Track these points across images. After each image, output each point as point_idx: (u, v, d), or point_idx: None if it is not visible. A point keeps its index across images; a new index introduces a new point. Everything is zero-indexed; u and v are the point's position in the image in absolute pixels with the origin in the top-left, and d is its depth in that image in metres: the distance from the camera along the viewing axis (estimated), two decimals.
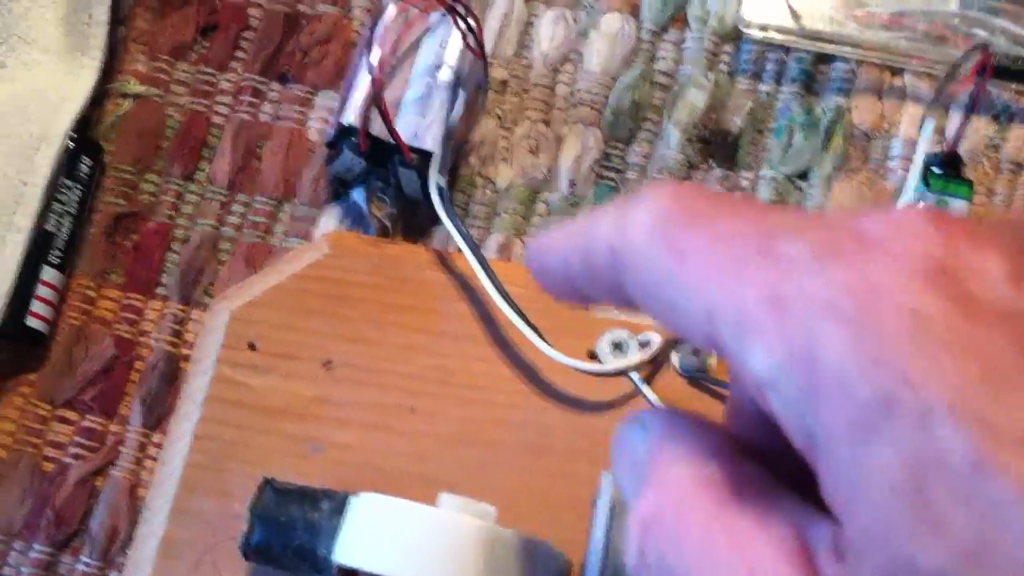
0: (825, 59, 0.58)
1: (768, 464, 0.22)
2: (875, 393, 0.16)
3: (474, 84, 0.57)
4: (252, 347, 0.52)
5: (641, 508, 0.22)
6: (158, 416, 0.54)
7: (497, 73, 0.59)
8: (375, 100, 0.53)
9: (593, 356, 0.52)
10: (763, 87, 0.58)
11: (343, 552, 0.42)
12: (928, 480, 0.16)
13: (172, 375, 0.55)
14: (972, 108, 0.52)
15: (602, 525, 0.42)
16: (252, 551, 0.47)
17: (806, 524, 0.19)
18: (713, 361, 0.51)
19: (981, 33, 0.55)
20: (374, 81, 0.53)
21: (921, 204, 0.52)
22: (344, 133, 0.55)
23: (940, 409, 0.16)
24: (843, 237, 0.18)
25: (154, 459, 0.53)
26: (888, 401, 0.16)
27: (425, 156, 0.54)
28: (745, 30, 0.58)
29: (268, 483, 0.48)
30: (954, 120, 0.56)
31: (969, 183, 0.53)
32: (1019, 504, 0.15)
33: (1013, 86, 0.56)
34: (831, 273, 0.18)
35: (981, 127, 0.57)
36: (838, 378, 0.17)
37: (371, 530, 0.42)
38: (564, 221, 0.27)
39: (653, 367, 0.51)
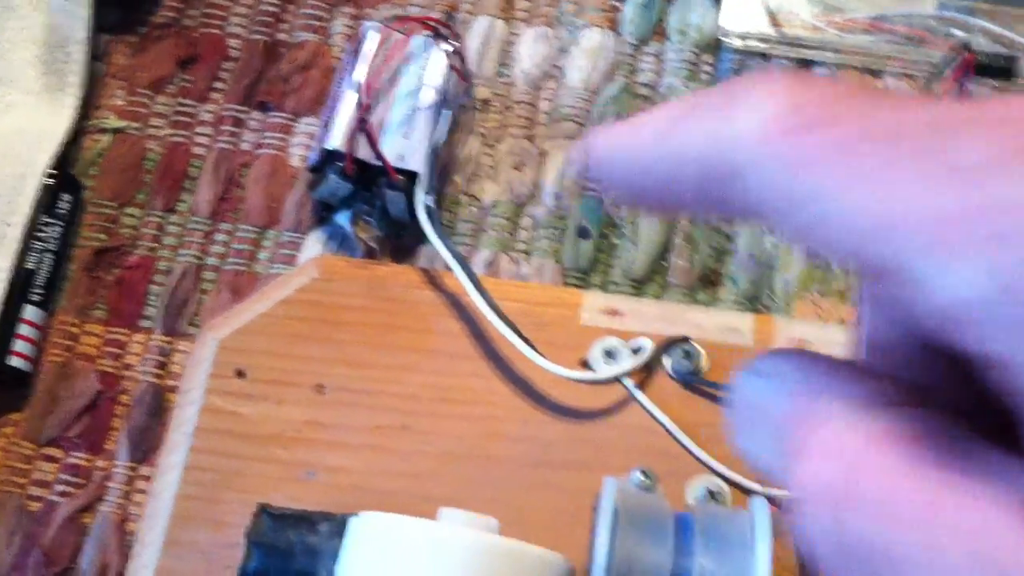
0: (806, 64, 0.58)
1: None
2: None
3: (457, 104, 0.57)
4: (241, 375, 0.51)
5: (812, 483, 0.17)
6: (145, 450, 0.53)
7: (479, 92, 0.59)
8: (361, 123, 0.52)
9: (586, 366, 0.51)
10: None
11: (345, 573, 0.41)
12: None
13: (159, 408, 0.54)
14: None
15: (606, 530, 0.41)
16: None
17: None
18: (705, 363, 0.50)
19: (959, 33, 0.55)
20: (360, 105, 0.53)
21: None
22: (329, 158, 0.54)
23: None
24: None
25: (143, 493, 0.52)
26: None
27: (411, 177, 0.54)
28: (725, 39, 0.58)
29: (263, 509, 0.46)
30: None
31: None
32: None
33: (994, 83, 0.57)
34: None
35: None
36: None
37: (373, 548, 0.41)
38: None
39: (646, 372, 0.51)
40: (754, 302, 0.55)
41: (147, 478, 0.52)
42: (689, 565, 0.41)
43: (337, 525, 0.44)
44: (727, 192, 0.18)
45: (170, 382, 0.54)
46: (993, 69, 0.55)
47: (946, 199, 0.15)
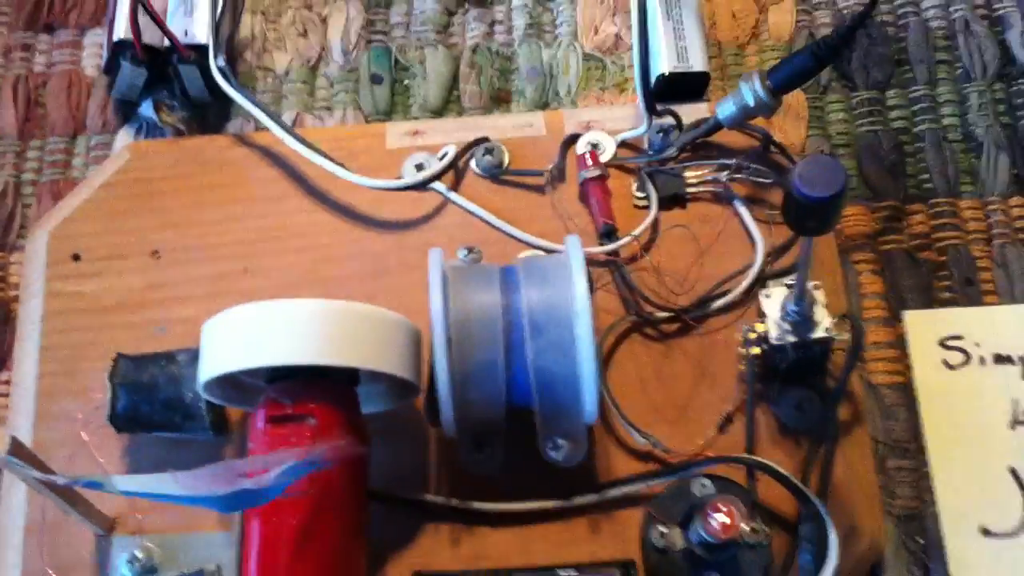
0: None
1: None
2: None
3: None
4: (77, 258, 0.54)
5: None
6: (1, 357, 0.55)
7: None
8: (139, 4, 0.55)
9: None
10: None
11: (205, 371, 0.44)
12: None
13: (6, 317, 0.56)
14: None
15: (438, 286, 0.45)
16: (121, 419, 0.48)
17: None
18: (507, 158, 0.55)
19: None
20: None
21: None
22: (119, 49, 0.57)
23: None
24: None
25: (5, 396, 0.54)
26: None
27: (201, 50, 0.57)
28: None
29: (121, 355, 0.49)
30: None
31: None
32: None
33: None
34: None
35: None
36: None
37: (227, 339, 0.43)
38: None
39: (457, 176, 0.55)
40: (544, 108, 0.60)
41: (7, 382, 0.54)
42: (517, 299, 0.46)
43: (194, 353, 0.47)
44: None
45: (12, 293, 0.56)
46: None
47: None
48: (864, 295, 0.55)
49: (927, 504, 0.51)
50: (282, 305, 0.43)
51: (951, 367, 0.54)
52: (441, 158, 0.55)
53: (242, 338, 0.43)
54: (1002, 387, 0.53)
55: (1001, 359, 0.54)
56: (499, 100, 0.60)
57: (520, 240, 0.53)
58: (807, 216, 0.40)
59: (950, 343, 0.54)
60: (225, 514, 0.46)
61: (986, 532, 0.51)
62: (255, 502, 0.40)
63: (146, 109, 0.58)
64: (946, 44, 0.60)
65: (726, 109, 0.52)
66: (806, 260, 0.44)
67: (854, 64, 0.60)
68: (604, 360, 0.51)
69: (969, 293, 0.55)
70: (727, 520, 0.44)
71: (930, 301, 0.55)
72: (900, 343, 0.54)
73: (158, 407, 0.48)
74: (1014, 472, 0.52)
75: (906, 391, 0.53)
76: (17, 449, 0.37)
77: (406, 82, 0.60)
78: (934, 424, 0.53)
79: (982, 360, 0.54)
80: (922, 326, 0.54)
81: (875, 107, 0.59)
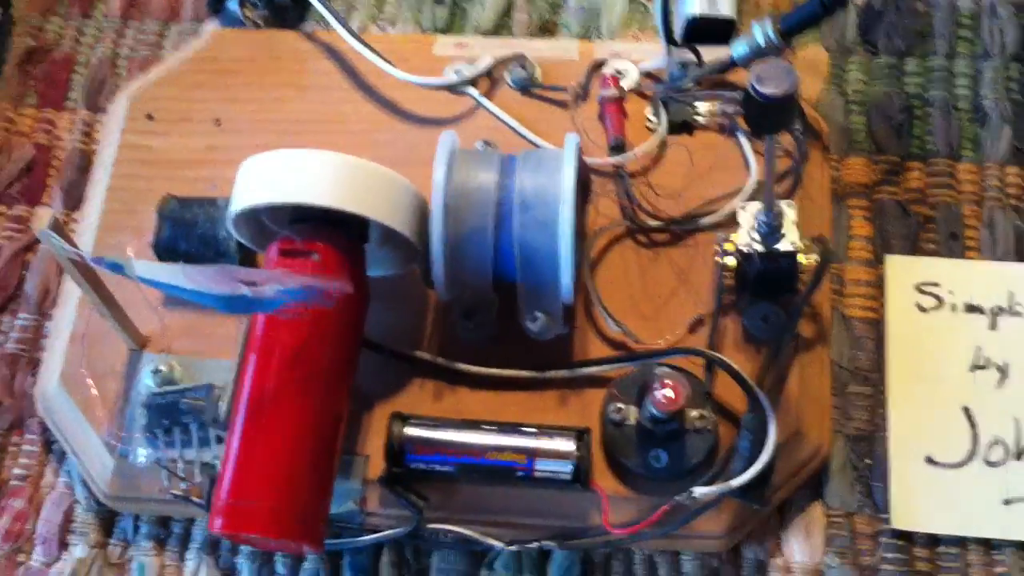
0: None
1: None
2: None
3: None
4: (150, 117, 0.61)
5: None
6: (77, 199, 0.63)
7: None
8: None
9: None
10: None
11: (235, 204, 0.50)
12: None
13: (86, 167, 0.63)
14: None
15: (443, 162, 0.51)
16: (163, 248, 0.55)
17: None
18: (539, 75, 0.61)
19: None
20: None
21: None
22: None
23: None
24: None
25: (74, 233, 0.61)
26: None
27: None
28: None
29: (170, 195, 0.56)
30: None
31: None
32: None
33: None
34: None
35: None
36: None
37: (255, 177, 0.50)
38: None
39: (491, 85, 0.61)
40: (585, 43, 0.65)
41: (78, 220, 0.62)
42: (512, 180, 0.51)
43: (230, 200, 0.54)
44: None
45: (94, 147, 0.64)
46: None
47: None
48: (853, 237, 0.59)
49: (879, 429, 0.55)
50: (307, 152, 0.49)
51: (923, 310, 0.57)
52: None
53: (268, 177, 0.49)
54: (968, 333, 0.57)
55: (972, 308, 0.57)
56: (546, 31, 0.66)
57: (537, 145, 0.59)
58: (761, 113, 0.45)
59: (926, 288, 0.58)
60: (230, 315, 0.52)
61: (930, 461, 0.55)
62: (250, 308, 0.47)
63: (232, 4, 0.66)
64: (970, 23, 0.64)
65: (740, 48, 0.57)
66: (770, 161, 0.48)
67: (879, 31, 0.64)
68: (595, 258, 0.56)
69: (952, 247, 0.59)
70: (671, 394, 0.49)
71: (914, 250, 0.59)
72: (879, 283, 0.58)
73: (195, 242, 0.55)
74: (967, 411, 0.55)
75: (877, 326, 0.57)
76: (57, 226, 0.44)
77: (464, 6, 0.67)
78: (898, 358, 0.56)
79: (954, 307, 0.57)
80: (902, 269, 0.58)
81: (893, 72, 0.63)
